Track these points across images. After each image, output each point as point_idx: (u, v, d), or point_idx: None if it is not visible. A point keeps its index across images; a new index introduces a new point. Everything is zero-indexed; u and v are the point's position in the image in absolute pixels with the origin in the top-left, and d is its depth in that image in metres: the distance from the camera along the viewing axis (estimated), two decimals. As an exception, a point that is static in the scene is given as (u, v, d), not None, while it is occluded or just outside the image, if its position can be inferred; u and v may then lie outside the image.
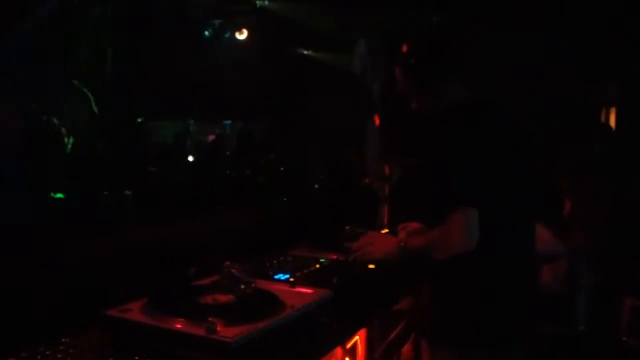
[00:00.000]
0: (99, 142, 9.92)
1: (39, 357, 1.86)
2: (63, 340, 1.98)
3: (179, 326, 1.89)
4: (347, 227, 3.41)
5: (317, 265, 2.96)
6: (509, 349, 2.46)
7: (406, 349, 3.51)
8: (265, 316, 2.00)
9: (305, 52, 13.49)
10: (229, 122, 15.19)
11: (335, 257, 3.12)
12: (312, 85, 12.38)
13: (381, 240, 2.76)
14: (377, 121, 5.40)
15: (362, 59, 5.55)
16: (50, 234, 3.80)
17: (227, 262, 2.25)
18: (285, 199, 6.54)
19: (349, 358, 2.83)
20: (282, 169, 10.35)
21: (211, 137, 13.63)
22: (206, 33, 12.66)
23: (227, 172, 9.64)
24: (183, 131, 13.09)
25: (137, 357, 1.86)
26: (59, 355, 1.88)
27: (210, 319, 1.86)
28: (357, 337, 2.92)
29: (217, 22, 12.70)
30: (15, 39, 9.69)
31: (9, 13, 9.55)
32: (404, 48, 2.61)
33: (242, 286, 2.19)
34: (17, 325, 2.10)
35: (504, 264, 2.41)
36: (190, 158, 12.27)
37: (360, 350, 2.98)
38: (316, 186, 8.16)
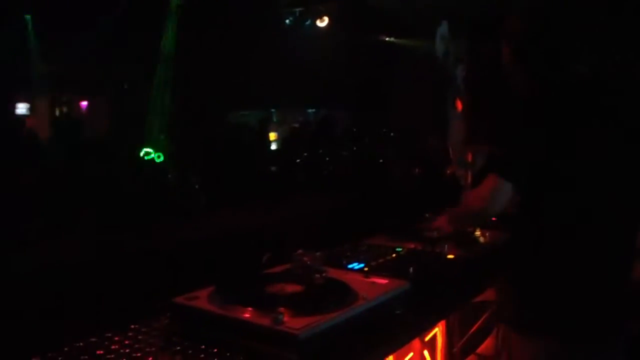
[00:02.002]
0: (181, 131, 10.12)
1: (106, 342, 1.85)
2: (132, 326, 1.97)
3: (245, 316, 1.83)
4: (427, 216, 3.29)
5: (394, 255, 2.84)
6: (597, 343, 2.39)
7: (488, 342, 3.36)
8: (336, 307, 1.92)
9: (387, 38, 13.32)
10: (311, 110, 15.22)
11: (413, 246, 3.00)
12: (394, 72, 12.21)
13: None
14: (459, 106, 5.21)
15: (444, 42, 5.37)
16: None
17: (300, 250, 2.18)
18: (363, 187, 6.45)
19: (428, 351, 2.72)
20: (362, 156, 10.25)
21: (294, 125, 13.69)
22: (287, 21, 12.69)
23: (306, 159, 9.62)
24: (265, 120, 13.19)
25: (203, 346, 1.81)
26: (126, 342, 1.87)
27: (278, 309, 1.79)
28: (436, 330, 2.81)
29: (298, 10, 12.70)
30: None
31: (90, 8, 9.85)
32: (513, 25, 2.49)
33: (314, 275, 2.11)
34: (87, 310, 2.09)
35: (597, 254, 2.34)
36: (273, 146, 12.36)
37: (440, 343, 2.87)
38: (397, 174, 8.02)
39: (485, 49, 3.81)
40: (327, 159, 9.65)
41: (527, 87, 2.52)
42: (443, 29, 5.51)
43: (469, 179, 5.19)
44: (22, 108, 13.29)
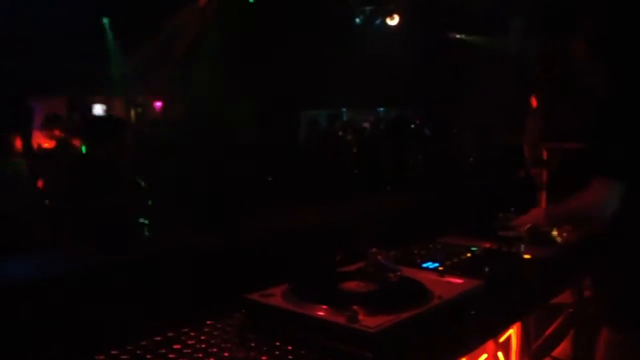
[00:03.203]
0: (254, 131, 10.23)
1: (183, 337, 1.89)
2: (207, 322, 2.00)
3: (319, 313, 1.84)
4: (501, 215, 3.23)
5: (469, 254, 2.80)
6: None
7: (564, 345, 3.28)
8: (410, 306, 1.90)
9: (458, 35, 13.16)
10: (382, 109, 15.16)
11: (488, 245, 2.95)
12: (466, 70, 12.04)
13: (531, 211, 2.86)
14: (534, 103, 5.10)
15: (518, 38, 5.28)
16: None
17: (374, 249, 2.17)
18: (436, 185, 6.39)
19: (502, 352, 2.67)
20: (434, 155, 10.15)
21: (365, 124, 13.67)
22: (357, 20, 12.67)
23: (377, 158, 9.59)
24: (335, 118, 13.20)
25: (278, 343, 1.83)
26: (202, 337, 1.90)
27: (352, 307, 1.79)
28: (511, 331, 2.76)
29: (368, 8, 12.67)
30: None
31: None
32: (594, 24, 2.43)
33: (388, 274, 2.10)
34: (164, 306, 2.14)
35: None
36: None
37: (515, 344, 2.81)
38: (469, 172, 7.91)
39: (561, 44, 3.70)
40: (399, 158, 9.60)
41: (606, 85, 2.45)
42: (517, 25, 5.42)
43: (545, 178, 5.08)
44: (98, 109, 13.70)
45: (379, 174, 8.52)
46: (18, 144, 7.20)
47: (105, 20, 12.25)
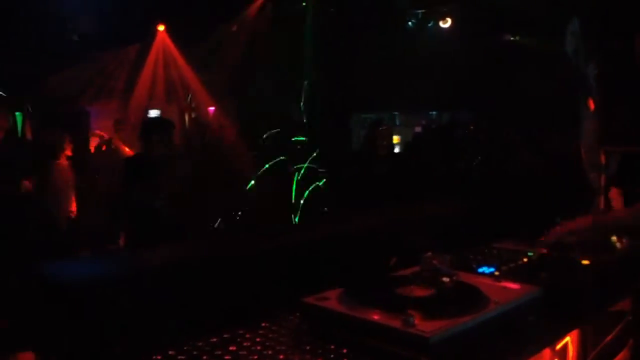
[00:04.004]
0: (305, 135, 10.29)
1: (238, 339, 1.92)
2: (262, 324, 2.02)
3: (375, 317, 1.84)
4: (558, 220, 3.18)
5: (525, 259, 2.77)
6: None
7: (623, 354, 3.20)
8: (467, 311, 1.89)
9: (511, 38, 12.97)
10: (434, 112, 15.05)
11: (545, 251, 2.90)
12: (521, 72, 11.85)
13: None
14: (592, 106, 5.00)
15: (575, 39, 5.17)
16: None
17: (429, 253, 2.16)
18: (490, 190, 6.32)
19: (559, 360, 2.62)
20: (488, 159, 10.03)
21: (417, 129, 13.58)
22: (410, 23, 12.62)
23: (430, 162, 9.53)
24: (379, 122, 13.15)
25: (333, 346, 1.84)
26: (257, 339, 1.92)
27: (408, 311, 1.79)
28: (567, 339, 2.70)
29: (420, 12, 12.60)
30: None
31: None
32: None
33: (444, 278, 2.09)
34: (221, 307, 2.16)
35: None
36: (397, 149, 12.30)
37: (571, 353, 2.75)
38: (525, 176, 7.78)
39: (619, 45, 3.63)
40: (452, 162, 9.52)
41: None
42: (573, 26, 5.31)
43: (602, 182, 4.97)
44: (153, 113, 13.99)
45: (431, 179, 8.46)
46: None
47: (161, 28, 12.48)
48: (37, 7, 9.49)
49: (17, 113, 12.04)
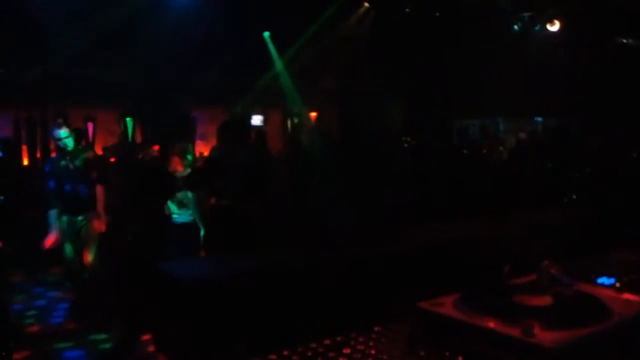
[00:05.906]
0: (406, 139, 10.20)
1: (352, 342, 1.91)
2: (375, 329, 2.01)
3: (491, 325, 1.80)
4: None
5: (647, 271, 2.62)
6: None
7: None
8: (589, 323, 1.81)
9: (625, 40, 12.39)
10: (540, 118, 14.60)
11: (668, 262, 2.74)
12: (633, 76, 11.32)
13: None
14: None
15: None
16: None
17: (546, 262, 2.09)
18: (606, 198, 6.05)
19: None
20: (599, 166, 9.62)
21: (522, 135, 13.20)
22: (515, 27, 12.29)
23: (539, 169, 9.24)
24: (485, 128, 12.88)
25: (447, 353, 1.80)
26: (371, 343, 1.91)
27: (527, 320, 1.73)
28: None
29: (526, 15, 12.25)
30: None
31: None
32: None
33: (562, 288, 2.02)
34: (333, 309, 2.17)
35: None
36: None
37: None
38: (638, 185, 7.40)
39: None
40: (562, 170, 9.20)
41: None
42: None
43: None
44: (257, 120, 14.27)
45: (542, 186, 8.20)
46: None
47: (266, 34, 12.70)
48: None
49: (127, 118, 12.60)
